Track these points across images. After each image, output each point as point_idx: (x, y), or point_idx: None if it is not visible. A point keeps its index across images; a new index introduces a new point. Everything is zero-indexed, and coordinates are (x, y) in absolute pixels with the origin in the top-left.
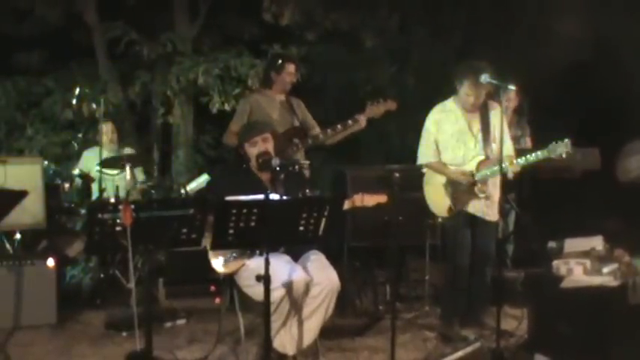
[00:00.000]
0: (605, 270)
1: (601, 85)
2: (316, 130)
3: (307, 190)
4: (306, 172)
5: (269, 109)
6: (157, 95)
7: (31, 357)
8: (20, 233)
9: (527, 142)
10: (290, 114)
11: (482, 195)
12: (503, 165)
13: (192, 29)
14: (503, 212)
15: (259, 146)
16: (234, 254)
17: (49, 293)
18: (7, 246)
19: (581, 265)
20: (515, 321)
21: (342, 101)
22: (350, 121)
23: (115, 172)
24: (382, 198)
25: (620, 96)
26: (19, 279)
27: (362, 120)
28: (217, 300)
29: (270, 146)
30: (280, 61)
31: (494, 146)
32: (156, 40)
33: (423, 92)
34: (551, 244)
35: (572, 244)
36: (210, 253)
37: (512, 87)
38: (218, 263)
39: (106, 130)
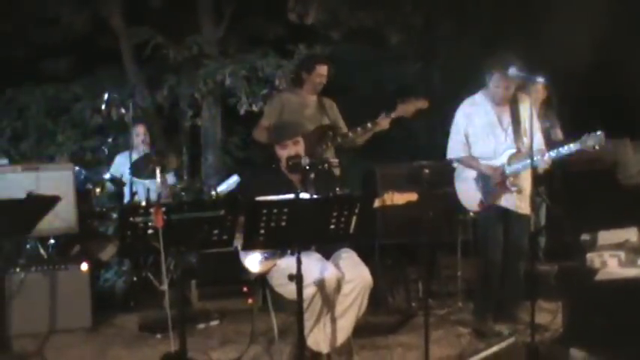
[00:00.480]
0: None
1: (633, 75)
2: (345, 131)
3: (337, 189)
4: (336, 171)
5: (300, 107)
6: (184, 98)
7: None
8: (54, 238)
9: (558, 134)
10: (321, 114)
11: (514, 188)
12: (535, 158)
13: (217, 31)
14: (535, 205)
15: (290, 149)
16: (265, 255)
17: (84, 297)
18: (42, 251)
19: (616, 257)
20: (549, 315)
21: (369, 100)
22: (379, 120)
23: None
24: (412, 196)
25: None
26: (54, 284)
27: (385, 121)
28: (250, 300)
29: (300, 149)
30: (312, 62)
31: (525, 139)
32: (182, 43)
33: (449, 88)
34: (585, 237)
35: (605, 237)
36: (242, 253)
37: (540, 80)
38: (253, 261)
39: (139, 132)
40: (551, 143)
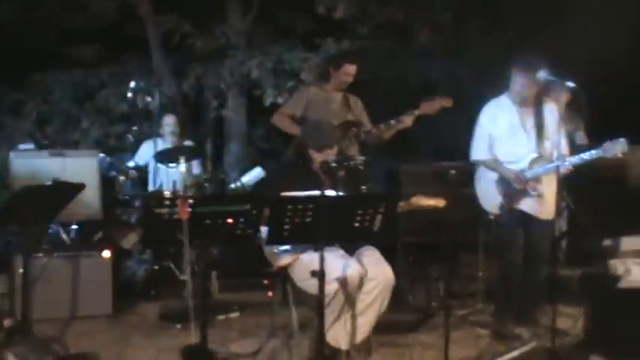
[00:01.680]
0: None
1: None
2: (369, 127)
3: (364, 187)
4: (362, 169)
5: (325, 103)
6: (210, 88)
7: (87, 347)
8: (76, 224)
9: (582, 138)
10: (346, 110)
11: (534, 193)
12: (556, 163)
13: (245, 22)
14: (560, 210)
15: (326, 153)
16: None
17: (105, 284)
18: (64, 237)
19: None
20: (570, 320)
21: (394, 95)
22: (402, 117)
23: (172, 164)
24: (440, 202)
25: None
26: (76, 270)
27: (409, 118)
28: (270, 294)
29: (334, 152)
30: (341, 59)
31: (548, 144)
32: (209, 33)
33: (476, 86)
34: (607, 242)
35: (628, 243)
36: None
37: (570, 84)
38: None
39: (169, 122)
40: (574, 147)
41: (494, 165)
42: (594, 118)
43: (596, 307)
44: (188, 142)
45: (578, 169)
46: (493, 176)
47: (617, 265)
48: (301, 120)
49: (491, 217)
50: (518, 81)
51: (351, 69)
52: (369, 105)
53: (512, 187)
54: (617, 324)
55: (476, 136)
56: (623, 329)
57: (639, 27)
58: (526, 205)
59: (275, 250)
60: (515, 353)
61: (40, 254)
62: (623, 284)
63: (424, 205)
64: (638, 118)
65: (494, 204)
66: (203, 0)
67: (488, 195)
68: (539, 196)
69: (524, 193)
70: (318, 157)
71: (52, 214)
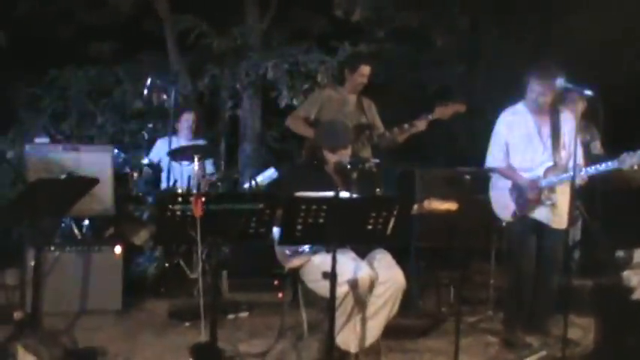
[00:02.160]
0: None
1: None
2: (382, 130)
3: (378, 190)
4: (375, 171)
5: (339, 105)
6: (225, 88)
7: (96, 342)
8: (89, 219)
9: (597, 147)
10: (360, 113)
11: (548, 202)
12: (571, 173)
13: (262, 23)
14: (573, 220)
15: (340, 154)
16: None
17: (115, 280)
18: (76, 231)
19: None
20: (581, 330)
21: (410, 100)
22: (416, 121)
23: (186, 162)
24: (453, 206)
25: None
26: (87, 264)
27: (423, 122)
28: (280, 294)
29: (349, 153)
30: (356, 61)
31: (564, 153)
32: (226, 33)
33: (491, 92)
34: (620, 254)
35: None
36: (277, 249)
37: (588, 92)
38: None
39: (188, 118)
40: (590, 157)
41: (508, 173)
42: (611, 128)
43: (608, 319)
44: (201, 142)
45: (593, 180)
46: (507, 184)
47: (630, 277)
48: (315, 122)
49: (504, 224)
50: (535, 89)
51: (366, 70)
52: (383, 109)
53: (525, 196)
54: (628, 336)
55: (492, 142)
56: (635, 341)
57: None
58: (539, 213)
59: (287, 252)
60: None
61: (52, 248)
62: (636, 296)
63: (437, 208)
64: None
65: (507, 211)
66: (221, 0)
67: (502, 202)
68: (553, 205)
69: (538, 201)
70: (332, 158)
71: (65, 208)
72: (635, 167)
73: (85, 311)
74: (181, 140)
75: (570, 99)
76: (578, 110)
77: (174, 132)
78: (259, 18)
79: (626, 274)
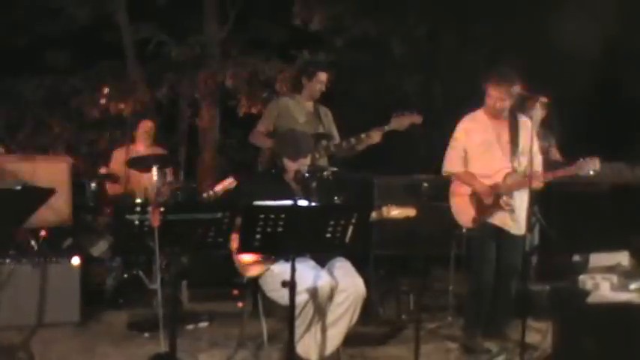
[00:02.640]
0: (632, 286)
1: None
2: (337, 140)
3: (336, 198)
4: (333, 180)
5: (296, 113)
6: (184, 97)
7: (53, 355)
8: (45, 230)
9: (555, 154)
10: (316, 121)
11: (507, 208)
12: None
13: (221, 32)
14: (531, 226)
15: (300, 162)
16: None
17: (73, 291)
18: (33, 243)
19: (608, 280)
20: (539, 335)
21: (367, 108)
22: (371, 132)
23: (144, 172)
24: (411, 212)
25: None
26: (44, 276)
27: (378, 134)
28: (240, 304)
29: (308, 161)
30: (313, 68)
31: (522, 159)
32: (185, 42)
33: (450, 101)
34: (576, 258)
35: (597, 259)
36: (236, 258)
37: (542, 99)
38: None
39: (146, 127)
40: (548, 163)
41: (467, 178)
42: (566, 135)
43: (565, 322)
44: (160, 151)
45: (549, 185)
46: (466, 190)
47: (586, 281)
48: (273, 131)
49: (464, 230)
50: (492, 94)
51: (323, 76)
52: (341, 118)
53: (485, 202)
54: (584, 339)
55: (450, 148)
56: (591, 344)
57: (613, 45)
58: (498, 219)
59: (246, 260)
60: None
61: (8, 260)
62: (592, 299)
63: (395, 215)
64: (610, 134)
65: (467, 218)
66: (179, 9)
67: (462, 209)
68: (512, 211)
69: (496, 207)
70: (292, 166)
71: (21, 219)
72: (592, 173)
73: (43, 324)
74: (139, 149)
75: (530, 106)
76: (538, 117)
77: (133, 140)
78: (218, 27)
79: (582, 278)
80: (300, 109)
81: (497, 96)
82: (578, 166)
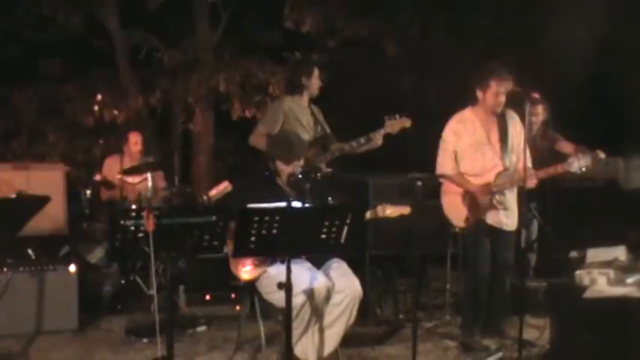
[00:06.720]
0: (629, 280)
1: (625, 95)
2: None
3: (330, 199)
4: (328, 180)
5: (300, 115)
6: (177, 102)
7: None
8: (42, 239)
9: (566, 147)
10: (315, 122)
11: (500, 206)
12: (521, 176)
13: (213, 36)
14: (525, 221)
15: (293, 166)
16: (255, 262)
17: (71, 299)
18: (29, 251)
19: (605, 275)
20: (537, 331)
21: (362, 109)
22: (372, 135)
23: (137, 179)
24: (405, 210)
25: None
26: (41, 284)
27: (379, 137)
28: (237, 307)
29: (301, 164)
30: (310, 66)
31: (513, 157)
32: (177, 47)
33: (443, 101)
34: (573, 254)
35: (594, 254)
36: (232, 261)
37: (536, 95)
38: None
39: (135, 140)
40: (559, 157)
41: (458, 180)
42: (560, 131)
43: (562, 318)
44: (150, 159)
45: (544, 182)
46: (459, 189)
47: (583, 276)
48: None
49: (458, 229)
50: (495, 89)
51: (317, 71)
52: (335, 118)
53: (477, 201)
54: (582, 334)
55: (440, 150)
56: (589, 339)
57: (606, 42)
58: (491, 217)
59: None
60: None
61: (5, 269)
62: (588, 294)
63: (389, 214)
64: (604, 130)
65: (460, 217)
66: (171, 14)
67: (455, 208)
68: (505, 208)
69: (489, 206)
70: (285, 169)
71: (16, 227)
72: (584, 169)
73: (41, 332)
74: (130, 161)
75: (531, 105)
76: (539, 118)
77: (122, 153)
78: (210, 31)
79: (578, 273)
80: (302, 110)
81: (501, 90)
82: (569, 164)
